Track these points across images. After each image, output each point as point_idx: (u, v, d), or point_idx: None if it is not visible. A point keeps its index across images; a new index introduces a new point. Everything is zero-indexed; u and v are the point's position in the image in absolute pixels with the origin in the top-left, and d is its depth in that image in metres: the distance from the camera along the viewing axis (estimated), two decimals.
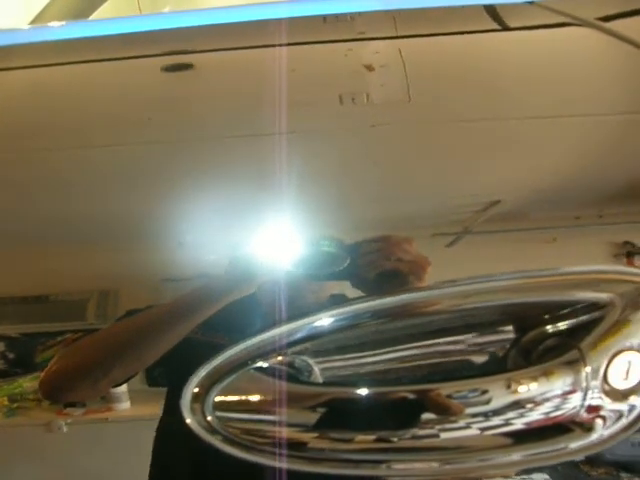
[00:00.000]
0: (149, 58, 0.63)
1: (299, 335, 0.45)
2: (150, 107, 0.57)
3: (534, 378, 0.46)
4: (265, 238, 0.46)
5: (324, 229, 0.46)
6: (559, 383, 0.46)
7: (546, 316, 0.47)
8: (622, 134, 0.51)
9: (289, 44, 0.61)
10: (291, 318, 0.45)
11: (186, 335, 0.45)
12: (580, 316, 0.46)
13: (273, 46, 0.61)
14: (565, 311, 0.47)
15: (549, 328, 0.47)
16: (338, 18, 0.62)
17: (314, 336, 0.46)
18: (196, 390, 0.46)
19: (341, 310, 0.45)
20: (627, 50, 0.57)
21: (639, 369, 0.46)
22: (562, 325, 0.47)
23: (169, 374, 0.47)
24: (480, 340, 0.47)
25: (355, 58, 0.59)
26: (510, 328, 0.47)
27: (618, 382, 0.46)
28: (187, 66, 0.61)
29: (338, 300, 0.46)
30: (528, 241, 0.47)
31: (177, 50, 0.63)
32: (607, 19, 0.61)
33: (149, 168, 0.52)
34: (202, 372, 0.45)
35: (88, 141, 0.54)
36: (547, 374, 0.46)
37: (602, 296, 0.46)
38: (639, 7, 0.62)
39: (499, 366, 0.46)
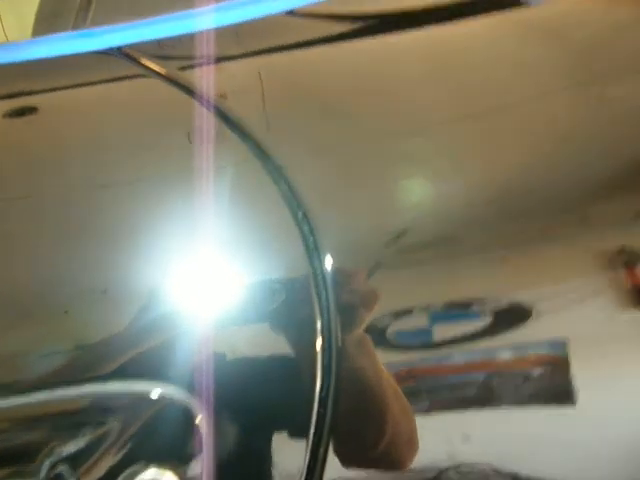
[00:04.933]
0: None
1: None
2: None
3: None
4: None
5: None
6: None
7: (50, 438, 0.41)
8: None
9: (129, 77, 0.55)
10: None
11: None
12: (86, 436, 0.40)
13: (115, 80, 0.56)
14: (70, 432, 0.41)
15: (57, 452, 0.40)
16: (173, 41, 0.56)
17: None
18: None
19: None
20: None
21: None
22: (68, 449, 0.40)
23: None
24: None
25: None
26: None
27: None
28: (31, 109, 0.54)
29: None
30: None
31: (18, 92, 0.57)
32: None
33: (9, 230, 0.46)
34: None
35: None
36: None
37: (108, 414, 0.41)
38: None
39: None
